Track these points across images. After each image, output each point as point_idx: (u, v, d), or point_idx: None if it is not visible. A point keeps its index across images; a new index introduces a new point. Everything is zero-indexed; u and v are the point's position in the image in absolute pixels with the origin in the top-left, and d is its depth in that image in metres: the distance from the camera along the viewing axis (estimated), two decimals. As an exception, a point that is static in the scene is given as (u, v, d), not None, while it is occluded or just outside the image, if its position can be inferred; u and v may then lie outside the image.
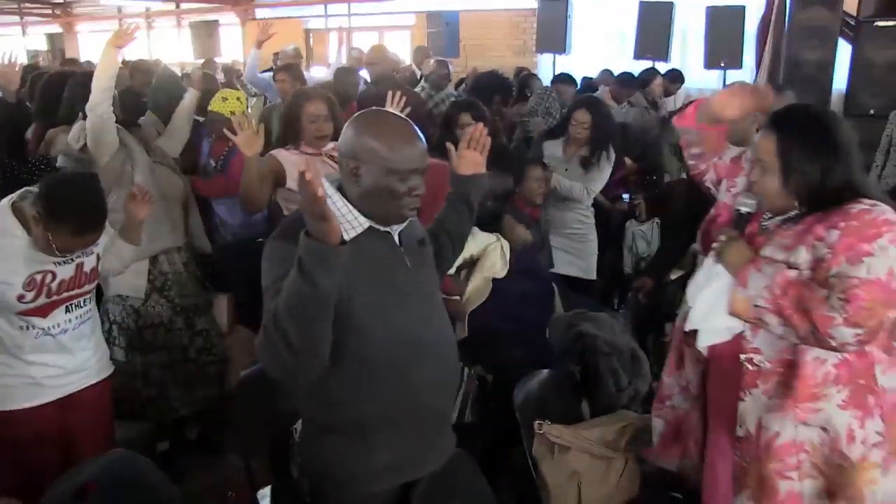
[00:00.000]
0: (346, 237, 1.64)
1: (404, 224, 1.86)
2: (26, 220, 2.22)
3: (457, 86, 7.21)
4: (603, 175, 4.23)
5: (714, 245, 1.96)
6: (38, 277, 2.25)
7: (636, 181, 5.11)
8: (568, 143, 4.22)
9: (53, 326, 2.33)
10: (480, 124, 2.24)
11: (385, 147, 1.74)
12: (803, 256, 1.80)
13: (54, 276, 2.29)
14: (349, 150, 1.77)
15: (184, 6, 13.68)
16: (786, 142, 1.85)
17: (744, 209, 1.98)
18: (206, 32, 11.41)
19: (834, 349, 1.75)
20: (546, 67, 9.24)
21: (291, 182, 3.18)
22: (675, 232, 3.85)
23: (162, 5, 13.93)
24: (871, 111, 7.29)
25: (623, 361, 2.71)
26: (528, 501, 2.38)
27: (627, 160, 5.12)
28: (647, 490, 2.48)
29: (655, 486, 2.52)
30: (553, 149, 4.25)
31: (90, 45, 15.11)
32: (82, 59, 13.15)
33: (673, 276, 3.64)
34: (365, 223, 1.77)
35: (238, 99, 4.05)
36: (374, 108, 1.98)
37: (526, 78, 7.08)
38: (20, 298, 2.22)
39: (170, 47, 12.95)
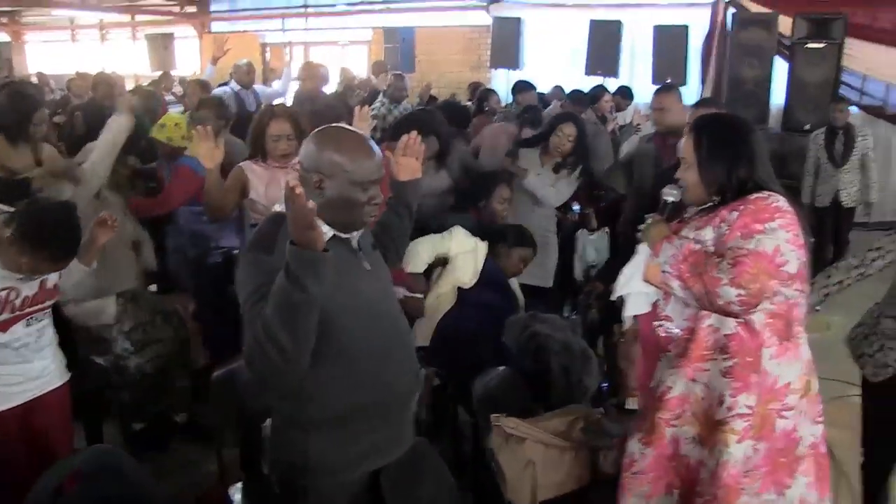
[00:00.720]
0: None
1: (362, 231, 2.03)
2: None
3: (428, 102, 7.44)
4: (571, 187, 4.40)
5: (639, 227, 2.27)
6: (3, 294, 2.32)
7: (585, 194, 5.33)
8: (545, 153, 4.36)
9: (14, 340, 2.40)
10: (414, 133, 2.41)
11: (347, 160, 1.89)
12: (709, 234, 2.08)
13: (18, 293, 2.36)
14: (312, 165, 1.91)
15: (139, 18, 13.61)
16: (700, 141, 2.15)
17: (669, 198, 2.27)
18: (161, 45, 11.40)
19: (721, 309, 2.00)
20: (500, 82, 9.48)
21: (254, 193, 3.34)
22: (625, 240, 4.08)
23: (116, 17, 13.82)
24: (806, 126, 7.67)
25: (574, 360, 2.91)
26: (486, 489, 2.54)
27: None
28: (597, 478, 2.66)
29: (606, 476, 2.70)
30: (529, 156, 4.38)
31: (39, 55, 14.93)
32: (30, 70, 13.08)
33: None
34: (330, 232, 1.92)
35: (176, 125, 4.09)
36: (332, 124, 2.12)
37: (484, 93, 7.29)
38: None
39: (125, 59, 12.87)
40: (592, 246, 4.94)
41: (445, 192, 4.06)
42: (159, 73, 9.95)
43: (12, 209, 2.41)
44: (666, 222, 2.25)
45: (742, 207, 2.04)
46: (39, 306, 2.45)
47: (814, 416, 2.16)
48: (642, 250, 2.24)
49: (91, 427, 3.32)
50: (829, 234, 6.41)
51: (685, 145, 2.20)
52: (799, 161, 6.92)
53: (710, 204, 2.18)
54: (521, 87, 7.04)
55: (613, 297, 2.39)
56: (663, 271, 2.09)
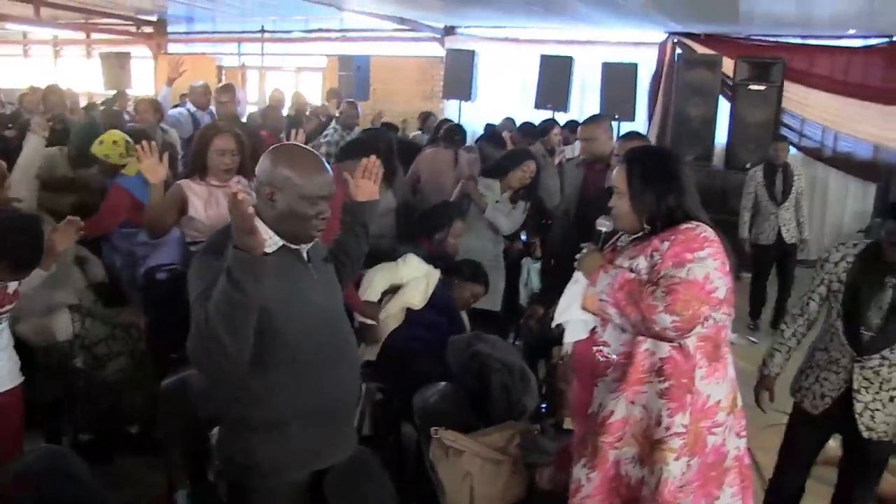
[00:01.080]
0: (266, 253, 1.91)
1: (312, 243, 2.14)
2: None
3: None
4: (522, 216, 4.64)
5: (576, 257, 2.36)
6: None
7: (533, 223, 5.49)
8: (504, 183, 4.53)
9: None
10: (373, 156, 2.54)
11: (297, 175, 2.01)
12: (642, 264, 2.19)
13: None
14: (266, 178, 2.03)
15: (94, 37, 13.53)
16: (631, 172, 2.28)
17: (602, 228, 2.39)
18: (117, 64, 11.30)
19: (657, 334, 2.11)
20: (452, 112, 9.67)
21: (193, 211, 3.39)
22: (562, 265, 4.25)
23: (70, 34, 13.73)
24: (747, 165, 7.97)
25: (514, 378, 3.03)
26: (426, 500, 2.63)
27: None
28: (534, 492, 2.76)
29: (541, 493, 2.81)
30: (490, 184, 4.54)
31: (-9, 70, 14.73)
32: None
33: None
34: (279, 242, 2.04)
35: (115, 142, 4.13)
36: (287, 142, 2.25)
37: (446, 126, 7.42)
38: None
39: (78, 77, 12.76)
40: (537, 273, 5.10)
41: (390, 212, 4.19)
42: (113, 91, 9.90)
43: None
44: (600, 251, 2.35)
45: (672, 237, 2.15)
46: (1, 310, 2.51)
47: (738, 430, 2.31)
48: (579, 279, 2.32)
49: (50, 435, 3.34)
50: (773, 269, 6.48)
51: (617, 176, 2.32)
52: (739, 197, 7.19)
53: (641, 233, 2.29)
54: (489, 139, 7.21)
55: (553, 325, 2.45)
56: (600, 299, 2.18)
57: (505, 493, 2.71)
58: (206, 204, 3.40)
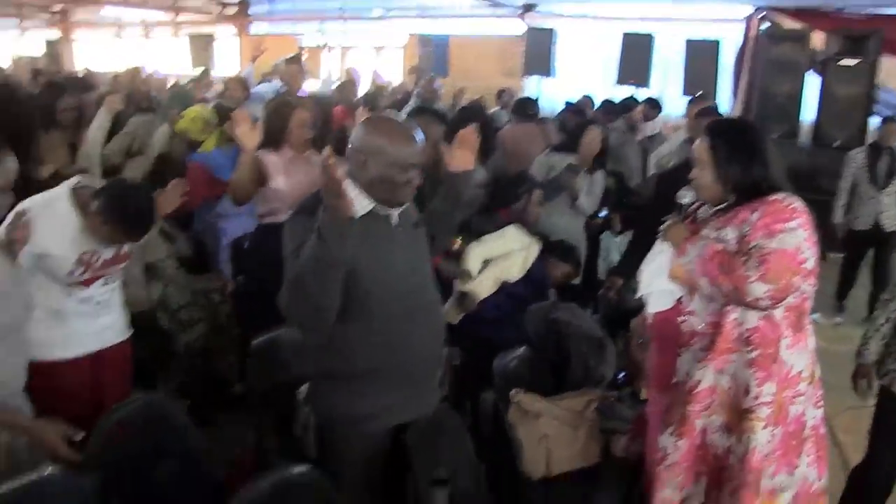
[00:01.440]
0: (355, 216, 2.00)
1: (402, 208, 2.22)
2: (83, 206, 2.53)
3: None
4: (600, 190, 4.66)
5: (660, 229, 2.38)
6: (87, 257, 2.57)
7: (613, 199, 5.47)
8: (577, 157, 4.54)
9: (92, 296, 2.65)
10: (471, 127, 2.58)
11: (390, 144, 2.09)
12: (731, 234, 2.19)
13: (99, 256, 2.61)
14: (360, 145, 2.12)
15: (181, 18, 13.95)
16: (715, 143, 2.27)
17: (685, 200, 2.40)
18: (203, 44, 11.72)
19: (749, 304, 2.12)
20: (532, 90, 9.64)
21: (274, 181, 3.50)
22: (643, 239, 4.24)
23: (160, 16, 14.21)
24: (836, 142, 7.71)
25: (592, 347, 3.07)
26: (503, 461, 2.69)
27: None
28: (607, 458, 2.80)
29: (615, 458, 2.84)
30: (564, 161, 4.57)
31: (86, 52, 15.36)
32: (77, 67, 13.46)
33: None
34: (369, 206, 2.13)
35: (193, 118, 4.31)
36: (382, 113, 2.34)
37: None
38: (70, 273, 2.54)
39: (167, 57, 13.21)
40: (616, 248, 5.09)
41: (479, 187, 4.25)
42: (199, 70, 10.23)
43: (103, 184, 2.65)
44: (683, 223, 2.37)
45: (762, 208, 2.16)
46: (115, 267, 2.70)
47: (815, 400, 2.31)
48: (665, 249, 2.35)
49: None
50: (868, 257, 6.09)
51: (700, 147, 2.32)
52: (828, 177, 6.95)
53: (724, 204, 2.30)
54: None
55: (638, 295, 2.49)
56: (690, 270, 2.20)
57: (580, 456, 2.76)
58: (286, 174, 3.51)
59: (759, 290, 2.08)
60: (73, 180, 2.63)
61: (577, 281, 4.41)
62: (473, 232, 3.63)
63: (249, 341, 3.05)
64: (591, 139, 4.48)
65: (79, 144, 4.25)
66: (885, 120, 6.11)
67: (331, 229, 1.89)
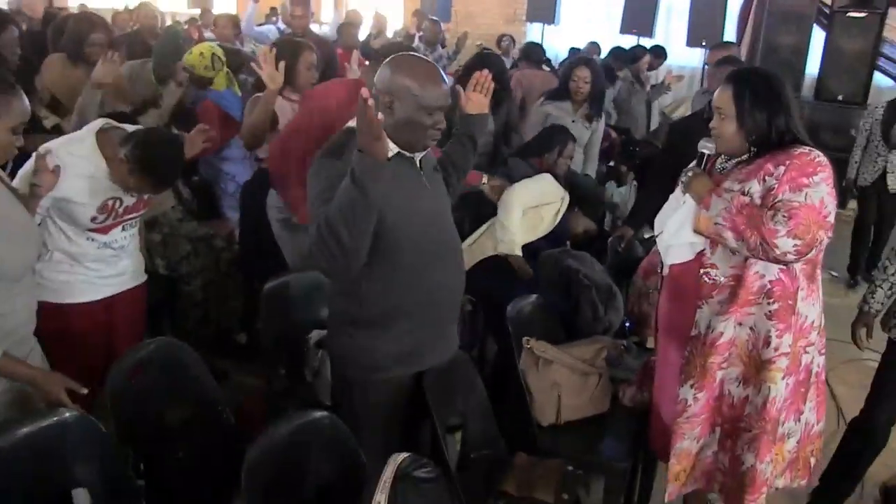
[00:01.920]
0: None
1: (425, 152, 2.18)
2: (109, 152, 2.46)
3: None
4: (601, 133, 4.64)
5: (682, 180, 2.34)
6: (110, 203, 2.52)
7: (620, 151, 5.44)
8: (573, 101, 4.53)
9: (112, 241, 2.61)
10: (486, 70, 2.53)
11: (417, 85, 2.02)
12: (755, 188, 2.17)
13: (122, 202, 2.56)
14: (385, 87, 2.05)
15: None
16: (740, 93, 2.23)
17: (705, 151, 2.34)
18: (199, -18, 11.44)
19: (776, 259, 2.12)
20: (535, 36, 9.51)
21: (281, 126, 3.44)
22: (653, 190, 4.25)
23: (153, -46, 13.85)
24: (840, 97, 7.67)
25: (601, 294, 3.07)
26: (514, 407, 2.71)
27: (612, 132, 5.49)
28: (616, 406, 2.82)
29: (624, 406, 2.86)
30: (559, 108, 4.55)
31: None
32: (71, 4, 13.15)
33: (646, 236, 4.00)
34: (395, 149, 2.07)
35: (201, 54, 4.13)
36: (407, 52, 2.28)
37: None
38: (92, 219, 2.49)
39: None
40: (621, 198, 5.08)
41: (489, 135, 4.21)
42: (196, 10, 10.02)
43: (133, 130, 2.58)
44: (706, 175, 2.32)
45: (787, 162, 2.14)
46: (136, 214, 2.66)
47: (820, 348, 2.37)
48: (688, 201, 2.31)
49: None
50: (871, 214, 5.90)
51: (722, 97, 2.28)
52: (830, 132, 6.93)
53: (746, 156, 2.28)
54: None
55: (661, 247, 2.44)
56: (716, 223, 2.17)
57: (590, 404, 2.77)
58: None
59: (787, 244, 2.07)
60: (99, 122, 2.55)
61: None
62: (513, 176, 3.60)
63: (254, 288, 3.04)
64: (579, 79, 4.45)
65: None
66: None
67: (366, 172, 1.84)
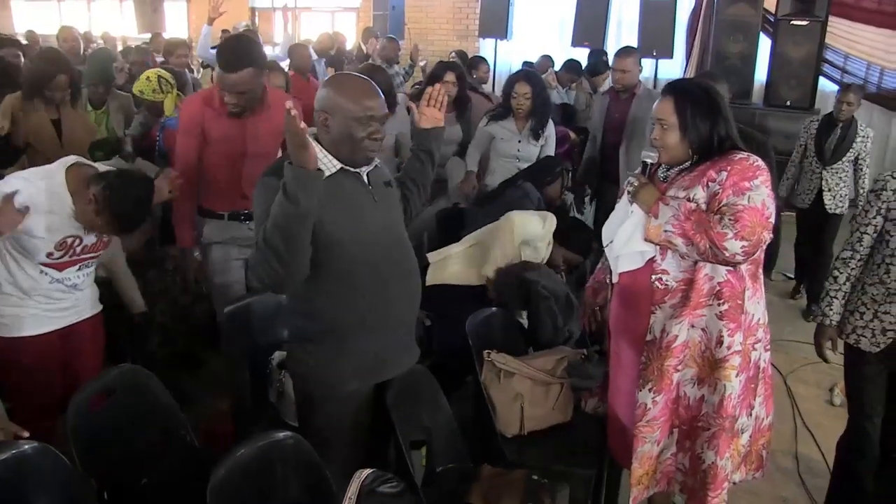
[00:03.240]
0: (324, 176, 2.02)
1: (371, 166, 2.23)
2: (77, 188, 2.43)
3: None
4: (553, 141, 4.63)
5: (628, 189, 2.42)
6: (69, 241, 2.50)
7: (580, 152, 5.51)
8: (516, 118, 4.50)
9: (66, 278, 2.59)
10: (438, 84, 2.60)
11: (347, 99, 2.10)
12: (700, 194, 2.26)
13: (81, 241, 2.54)
14: (321, 105, 2.13)
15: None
16: (682, 103, 2.33)
17: (648, 160, 2.42)
18: (150, 7, 11.36)
19: (726, 261, 2.21)
20: (488, 51, 9.59)
21: None
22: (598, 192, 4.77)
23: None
24: (788, 102, 7.85)
25: (560, 305, 3.12)
26: (477, 420, 2.75)
27: (572, 134, 5.57)
28: (579, 415, 2.86)
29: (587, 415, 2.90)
30: (503, 128, 4.51)
31: (25, 15, 14.79)
32: (16, 30, 12.98)
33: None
34: (338, 165, 2.14)
35: (147, 79, 4.20)
36: (344, 72, 2.34)
37: (473, 61, 7.40)
38: (48, 255, 2.47)
39: (112, 21, 12.80)
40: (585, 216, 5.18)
41: (453, 143, 4.29)
42: (147, 35, 9.95)
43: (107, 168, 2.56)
44: (652, 184, 2.39)
45: (728, 168, 2.23)
46: (94, 254, 2.64)
47: (766, 344, 2.46)
48: (634, 211, 2.38)
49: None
50: (810, 235, 5.49)
51: (663, 108, 2.36)
52: (780, 136, 7.04)
53: (687, 163, 2.36)
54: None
55: (611, 257, 2.48)
56: (665, 230, 2.24)
57: (554, 414, 2.81)
58: None
59: (735, 246, 2.16)
60: (71, 158, 2.53)
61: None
62: (530, 198, 3.75)
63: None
64: (518, 95, 4.42)
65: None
66: (841, 88, 5.42)
67: (296, 183, 1.89)
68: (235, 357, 2.79)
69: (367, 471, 1.86)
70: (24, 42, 9.96)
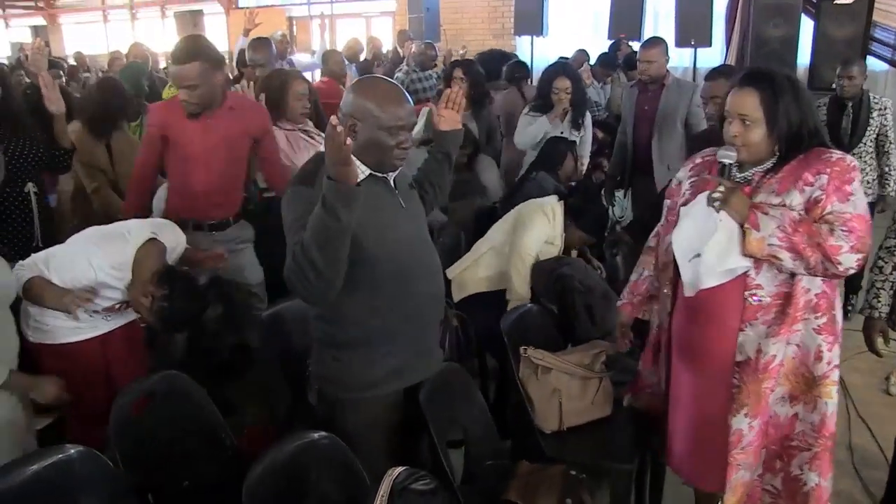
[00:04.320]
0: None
1: (397, 171, 2.22)
2: (141, 272, 2.55)
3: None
4: (590, 131, 4.70)
5: (713, 196, 2.11)
6: (116, 306, 2.66)
7: (609, 152, 5.47)
8: (553, 113, 4.55)
9: (105, 315, 2.71)
10: (456, 86, 2.59)
11: (376, 106, 2.07)
12: (797, 199, 2.07)
13: (127, 305, 2.68)
14: (349, 110, 2.10)
15: (167, -4, 13.82)
16: (766, 96, 2.09)
17: (726, 161, 2.15)
18: (190, 22, 11.52)
19: (836, 275, 2.05)
20: (524, 49, 9.56)
21: (284, 157, 3.50)
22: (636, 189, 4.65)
23: (146, -4, 14.08)
24: (833, 85, 7.66)
25: (596, 299, 3.09)
26: (517, 415, 2.74)
27: (598, 132, 5.53)
28: (619, 409, 2.83)
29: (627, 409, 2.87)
30: (541, 120, 4.57)
31: (74, 37, 15.25)
32: (67, 51, 13.37)
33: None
34: (366, 171, 2.12)
35: (170, 87, 4.30)
36: (371, 75, 2.33)
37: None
38: (93, 312, 2.61)
39: (155, 38, 13.09)
40: (619, 204, 5.13)
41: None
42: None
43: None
44: (741, 189, 2.14)
45: (827, 169, 2.05)
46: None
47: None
48: (724, 220, 2.12)
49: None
50: None
51: (745, 102, 2.12)
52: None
53: (770, 163, 2.17)
54: None
55: (694, 271, 2.22)
56: (770, 244, 2.03)
57: (592, 408, 2.79)
58: (294, 151, 3.52)
59: (850, 260, 2.01)
60: (145, 234, 2.63)
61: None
62: (545, 188, 3.77)
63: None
64: (560, 90, 4.50)
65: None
66: (844, 62, 5.08)
67: (337, 198, 1.87)
68: (273, 360, 2.81)
69: (399, 469, 1.86)
70: (72, 63, 10.34)
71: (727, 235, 2.13)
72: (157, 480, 2.20)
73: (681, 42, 8.38)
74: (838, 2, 7.69)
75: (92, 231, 2.74)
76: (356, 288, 2.10)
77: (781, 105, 2.09)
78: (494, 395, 3.36)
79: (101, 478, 1.96)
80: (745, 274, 2.14)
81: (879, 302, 2.73)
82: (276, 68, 4.87)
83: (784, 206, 2.07)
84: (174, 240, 2.76)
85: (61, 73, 5.70)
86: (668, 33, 8.71)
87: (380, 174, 2.17)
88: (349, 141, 1.83)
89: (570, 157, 4.29)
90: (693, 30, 8.21)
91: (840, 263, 2.00)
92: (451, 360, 2.70)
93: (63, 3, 15.58)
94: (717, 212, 2.12)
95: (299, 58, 7.74)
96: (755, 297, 2.14)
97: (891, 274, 2.72)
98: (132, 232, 2.63)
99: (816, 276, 2.07)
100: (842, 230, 2.00)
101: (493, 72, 6.16)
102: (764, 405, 2.19)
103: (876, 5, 7.72)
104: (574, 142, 4.48)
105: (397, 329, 2.19)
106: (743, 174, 2.20)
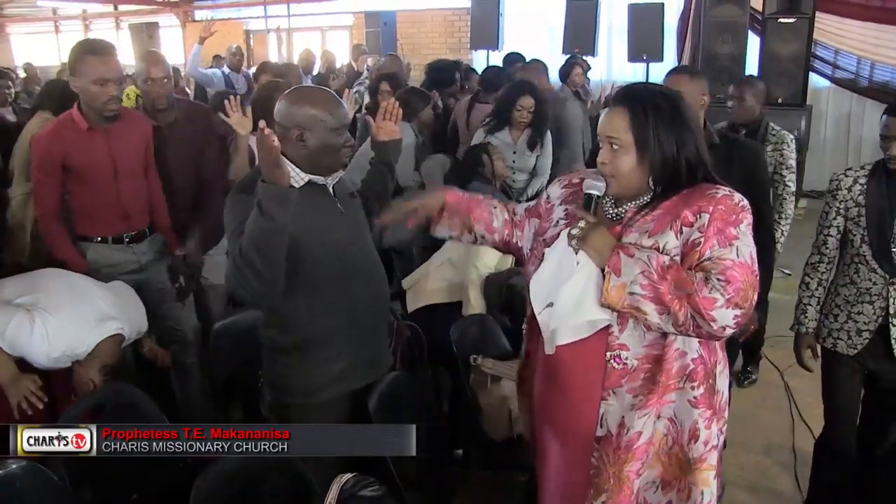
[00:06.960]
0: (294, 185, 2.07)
1: (338, 178, 2.30)
2: (90, 368, 2.52)
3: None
4: (549, 150, 4.60)
5: (572, 232, 1.77)
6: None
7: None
8: (512, 129, 4.49)
9: None
10: (392, 99, 2.66)
11: (323, 111, 2.16)
12: (672, 241, 1.71)
13: None
14: (291, 121, 2.16)
15: (122, 7, 13.66)
16: (638, 116, 1.75)
17: (593, 192, 1.81)
18: (146, 34, 11.46)
19: (711, 335, 1.68)
20: (481, 63, 9.64)
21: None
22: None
23: (99, 7, 13.88)
24: (780, 100, 7.88)
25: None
26: (464, 425, 2.77)
27: None
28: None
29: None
30: (499, 139, 4.46)
31: (23, 47, 14.96)
32: (16, 63, 13.13)
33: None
34: (306, 178, 2.19)
35: (127, 95, 4.26)
36: (297, 86, 2.42)
37: (466, 73, 7.45)
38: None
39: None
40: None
41: (408, 148, 4.35)
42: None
43: None
44: (602, 226, 1.78)
45: (710, 207, 1.70)
46: None
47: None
48: (583, 261, 1.76)
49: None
50: None
51: (615, 123, 1.77)
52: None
53: (645, 198, 1.81)
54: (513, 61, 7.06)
55: (547, 323, 1.84)
56: (631, 293, 1.66)
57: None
58: None
59: (727, 317, 1.63)
60: (111, 328, 2.62)
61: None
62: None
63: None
64: (523, 109, 4.40)
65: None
66: (741, 82, 4.43)
67: (271, 199, 1.94)
68: (225, 372, 2.82)
69: (348, 475, 1.88)
70: (22, 75, 10.16)
71: (584, 281, 1.75)
72: (105, 495, 2.18)
73: (633, 57, 8.57)
74: (782, 20, 7.94)
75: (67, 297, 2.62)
76: (295, 292, 2.17)
77: (652, 128, 1.73)
78: (448, 404, 3.39)
79: (46, 493, 1.94)
80: (608, 329, 1.76)
81: (807, 318, 2.76)
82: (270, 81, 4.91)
83: (656, 248, 1.71)
84: (139, 324, 2.78)
85: (10, 83, 5.59)
86: (621, 48, 8.92)
87: (320, 181, 2.23)
88: (277, 143, 1.90)
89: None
90: (645, 44, 8.39)
91: (714, 320, 1.62)
92: (403, 369, 2.74)
93: (11, 11, 15.25)
94: (576, 252, 1.77)
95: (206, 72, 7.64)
96: (619, 360, 1.76)
97: (816, 290, 2.74)
98: (101, 320, 2.59)
99: (687, 335, 1.70)
100: (718, 279, 1.63)
101: (446, 80, 6.20)
102: (626, 493, 1.79)
103: (816, 25, 7.99)
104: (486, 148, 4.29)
105: (337, 333, 2.25)
106: (617, 210, 1.85)
